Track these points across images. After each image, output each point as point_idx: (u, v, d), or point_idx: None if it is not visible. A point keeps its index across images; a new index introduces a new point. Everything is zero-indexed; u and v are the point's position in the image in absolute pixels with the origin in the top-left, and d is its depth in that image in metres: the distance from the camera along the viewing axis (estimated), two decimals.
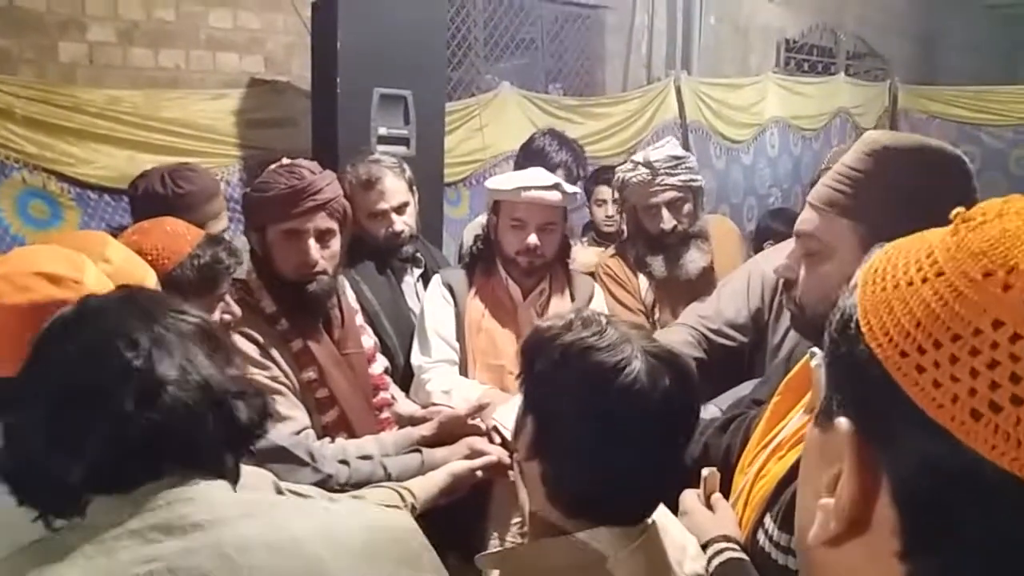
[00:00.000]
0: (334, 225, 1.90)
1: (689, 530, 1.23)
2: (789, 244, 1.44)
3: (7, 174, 3.29)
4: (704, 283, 2.46)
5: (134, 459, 0.84)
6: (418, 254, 2.52)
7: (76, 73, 3.63)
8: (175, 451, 0.86)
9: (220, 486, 0.87)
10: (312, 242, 1.85)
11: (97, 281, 1.17)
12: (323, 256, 1.87)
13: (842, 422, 0.49)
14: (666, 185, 2.49)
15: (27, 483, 0.87)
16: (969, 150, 6.39)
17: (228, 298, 1.66)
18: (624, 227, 3.25)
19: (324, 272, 1.87)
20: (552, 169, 2.67)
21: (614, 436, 1.00)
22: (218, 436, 0.88)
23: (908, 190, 1.14)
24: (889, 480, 0.46)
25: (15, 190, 3.32)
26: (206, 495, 0.85)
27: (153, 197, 2.32)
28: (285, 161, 1.93)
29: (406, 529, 0.96)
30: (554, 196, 2.19)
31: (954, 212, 0.48)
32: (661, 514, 1.19)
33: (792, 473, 1.16)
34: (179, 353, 0.88)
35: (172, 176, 2.38)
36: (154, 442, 0.84)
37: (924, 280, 0.46)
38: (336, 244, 1.91)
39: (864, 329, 0.48)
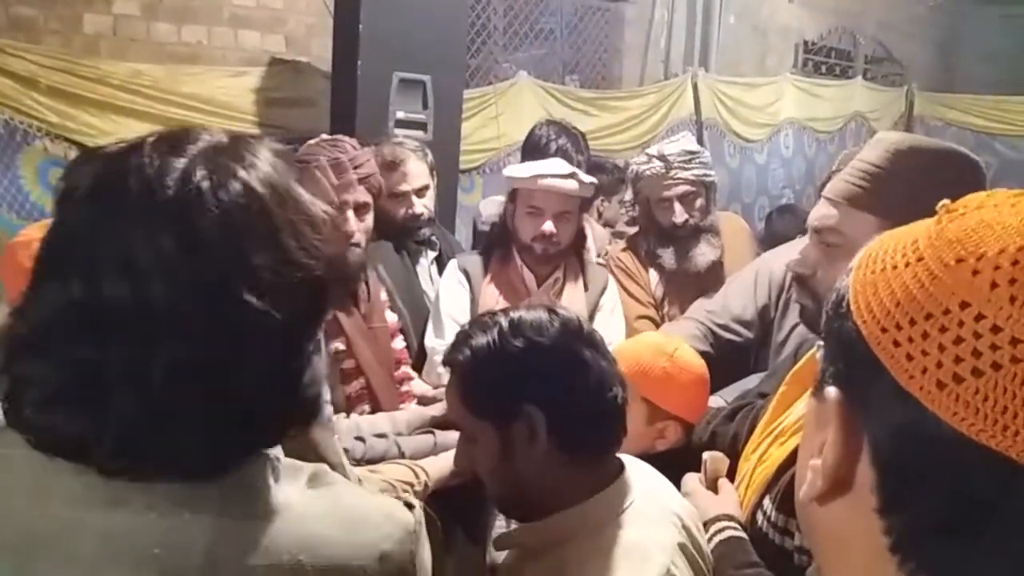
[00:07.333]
0: (370, 199, 1.94)
1: None
2: (799, 242, 1.47)
3: (29, 142, 3.35)
4: (713, 278, 2.50)
5: None
6: (434, 237, 2.55)
7: (100, 45, 3.68)
8: None
9: None
10: (351, 214, 1.88)
11: None
12: (359, 229, 1.90)
13: (831, 391, 0.54)
14: (679, 179, 2.51)
15: None
16: (985, 159, 6.36)
17: None
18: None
19: (358, 244, 1.91)
20: (551, 156, 2.69)
21: (578, 365, 1.14)
22: None
23: (928, 189, 1.16)
24: (869, 443, 0.51)
25: (37, 158, 3.37)
26: None
27: None
28: (325, 136, 1.97)
29: None
30: (570, 185, 2.23)
31: (940, 204, 0.53)
32: (659, 481, 1.24)
33: (792, 458, 1.20)
34: None
35: None
36: None
37: (907, 264, 0.50)
38: (370, 218, 1.95)
39: (852, 308, 0.53)
